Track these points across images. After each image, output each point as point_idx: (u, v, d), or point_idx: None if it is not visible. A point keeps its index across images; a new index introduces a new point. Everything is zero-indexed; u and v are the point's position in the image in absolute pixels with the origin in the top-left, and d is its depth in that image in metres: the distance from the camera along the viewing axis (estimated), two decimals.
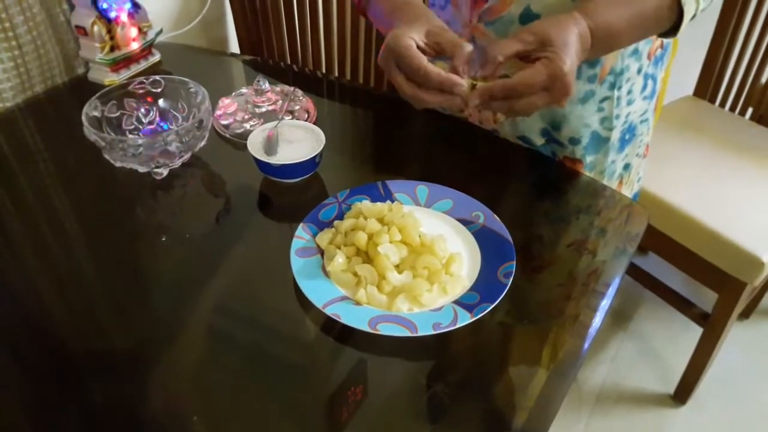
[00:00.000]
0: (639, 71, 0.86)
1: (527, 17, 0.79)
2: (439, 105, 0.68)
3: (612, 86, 0.85)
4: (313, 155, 0.82)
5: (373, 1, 0.80)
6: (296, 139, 0.87)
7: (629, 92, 0.87)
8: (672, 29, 0.72)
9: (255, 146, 0.84)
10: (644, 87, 0.89)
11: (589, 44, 0.67)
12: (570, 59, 0.63)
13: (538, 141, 0.92)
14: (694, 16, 0.71)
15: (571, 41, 0.64)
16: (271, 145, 0.84)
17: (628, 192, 1.01)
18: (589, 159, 0.91)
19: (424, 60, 0.66)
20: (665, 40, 0.86)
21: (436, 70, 0.65)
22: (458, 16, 0.86)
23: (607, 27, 0.68)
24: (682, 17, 0.70)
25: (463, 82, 0.65)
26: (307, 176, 0.85)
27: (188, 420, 0.61)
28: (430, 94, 0.66)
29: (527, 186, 0.91)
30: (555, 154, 0.92)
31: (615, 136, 0.90)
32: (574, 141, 0.89)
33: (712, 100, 1.64)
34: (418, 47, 0.67)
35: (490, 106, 0.66)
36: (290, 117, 0.96)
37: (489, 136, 0.94)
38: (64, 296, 0.74)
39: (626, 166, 0.97)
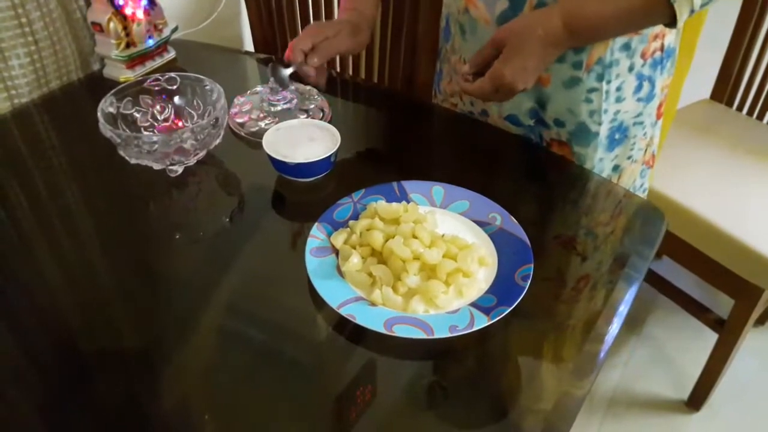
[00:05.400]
0: (631, 69, 0.86)
1: None
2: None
3: (600, 77, 0.85)
4: (329, 154, 0.82)
5: None
6: (311, 138, 0.86)
7: (618, 89, 0.86)
8: (673, 21, 0.72)
9: (270, 145, 0.84)
10: (638, 88, 0.88)
11: (560, 39, 0.75)
12: (510, 69, 0.75)
13: (526, 121, 0.93)
14: (692, 11, 0.70)
15: (519, 48, 0.74)
16: (282, 79, 0.91)
17: None
18: (576, 148, 0.91)
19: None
20: (666, 44, 0.86)
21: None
22: None
23: (585, 20, 0.74)
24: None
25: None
26: (322, 175, 0.85)
27: (200, 418, 0.61)
28: None
29: (544, 189, 0.90)
30: (542, 138, 0.93)
31: (603, 132, 0.90)
32: (559, 123, 0.90)
33: (730, 104, 1.62)
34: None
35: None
36: (305, 116, 0.96)
37: (502, 134, 0.94)
38: (77, 293, 0.74)
39: (615, 168, 0.96)
